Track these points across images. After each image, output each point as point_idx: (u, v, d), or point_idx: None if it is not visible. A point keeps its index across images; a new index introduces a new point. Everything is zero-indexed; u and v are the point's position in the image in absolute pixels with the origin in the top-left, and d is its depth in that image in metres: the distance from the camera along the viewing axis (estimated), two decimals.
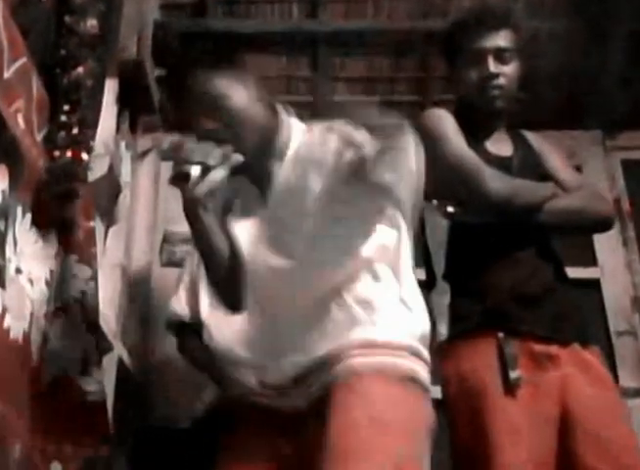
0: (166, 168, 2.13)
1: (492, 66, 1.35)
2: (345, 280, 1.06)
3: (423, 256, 1.40)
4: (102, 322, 1.35)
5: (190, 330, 1.59)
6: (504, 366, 1.21)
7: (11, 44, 1.13)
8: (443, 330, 1.30)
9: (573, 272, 1.52)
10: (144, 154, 2.08)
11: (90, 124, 1.33)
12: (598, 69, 2.05)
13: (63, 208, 1.29)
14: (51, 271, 1.30)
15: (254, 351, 1.15)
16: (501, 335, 1.24)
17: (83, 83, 1.30)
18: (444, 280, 1.35)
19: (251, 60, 2.21)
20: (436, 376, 1.16)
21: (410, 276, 1.11)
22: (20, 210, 1.19)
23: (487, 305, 1.28)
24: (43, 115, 1.27)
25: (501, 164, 1.35)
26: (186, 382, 1.85)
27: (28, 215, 1.23)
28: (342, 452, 0.92)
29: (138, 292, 1.99)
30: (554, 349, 1.26)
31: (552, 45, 2.01)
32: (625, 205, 2.20)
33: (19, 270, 1.18)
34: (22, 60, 1.18)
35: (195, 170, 1.03)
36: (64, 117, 1.29)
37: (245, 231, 1.12)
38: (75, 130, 1.29)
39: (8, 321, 1.13)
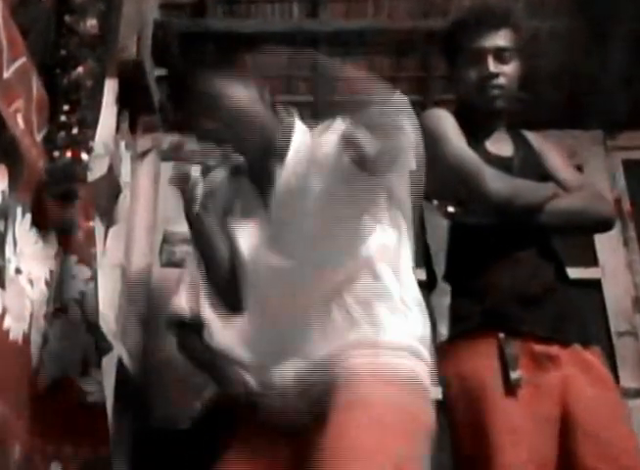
0: (166, 169, 2.14)
1: (492, 65, 1.35)
2: (346, 280, 1.05)
3: (423, 256, 1.40)
4: (101, 323, 1.35)
5: (190, 329, 1.59)
6: (505, 367, 1.21)
7: (10, 44, 1.13)
8: (444, 330, 1.30)
9: (574, 272, 1.52)
10: (144, 154, 2.08)
11: (90, 124, 1.32)
12: (599, 68, 2.05)
13: (62, 208, 1.29)
14: (51, 272, 1.29)
15: (255, 351, 1.15)
16: (502, 335, 1.23)
17: (83, 83, 1.30)
18: (445, 280, 1.35)
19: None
20: (437, 377, 1.15)
21: (410, 276, 1.11)
22: (19, 210, 1.19)
23: (488, 305, 1.27)
24: (43, 115, 1.27)
25: (502, 164, 1.35)
26: (186, 383, 1.85)
27: (28, 216, 1.22)
28: (342, 453, 0.92)
29: (138, 292, 1.99)
30: (555, 349, 1.25)
31: (553, 44, 2.00)
32: (626, 205, 2.20)
33: (18, 271, 1.18)
34: (22, 59, 1.18)
35: (195, 171, 1.03)
36: (63, 118, 1.28)
37: (245, 232, 1.11)
38: (75, 130, 1.29)
39: (8, 322, 1.13)
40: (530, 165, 1.40)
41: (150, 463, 1.74)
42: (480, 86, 1.36)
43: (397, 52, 2.19)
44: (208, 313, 1.50)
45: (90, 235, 1.36)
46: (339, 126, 1.08)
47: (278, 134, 1.12)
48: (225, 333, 1.41)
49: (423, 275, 1.37)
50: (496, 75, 1.35)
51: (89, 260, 1.32)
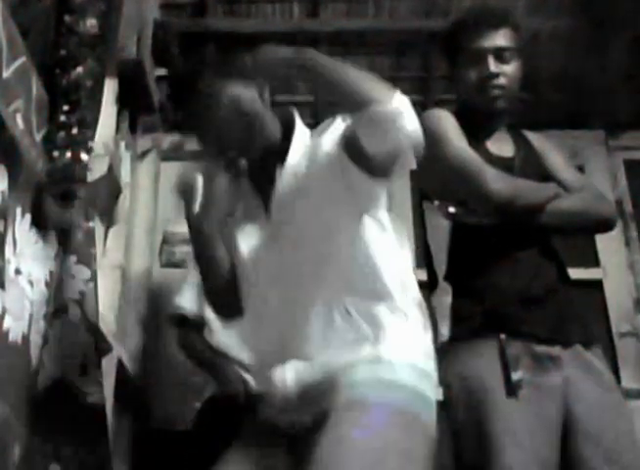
0: (166, 169, 2.14)
1: (492, 65, 1.34)
2: (346, 281, 1.05)
3: (424, 256, 1.40)
4: (101, 323, 1.35)
5: (191, 328, 1.59)
6: (506, 367, 1.20)
7: (10, 43, 1.13)
8: (445, 331, 1.29)
9: (576, 273, 1.51)
10: (144, 154, 2.08)
11: (89, 124, 1.33)
12: (601, 68, 2.04)
13: (62, 208, 1.29)
14: (51, 272, 1.29)
15: (255, 351, 1.14)
16: (503, 336, 1.22)
17: (83, 83, 1.30)
18: (446, 281, 1.34)
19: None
20: (438, 378, 1.15)
21: (411, 276, 1.10)
22: (19, 210, 1.19)
23: (489, 306, 1.27)
24: (42, 115, 1.27)
25: (503, 164, 1.34)
26: (185, 383, 1.85)
27: (28, 216, 1.22)
28: (342, 454, 0.91)
29: (137, 293, 1.99)
30: (556, 350, 1.24)
31: (554, 44, 2.00)
32: (628, 205, 2.19)
33: (18, 271, 1.18)
34: (22, 59, 1.18)
35: (194, 172, 1.03)
36: (63, 118, 1.29)
37: (247, 236, 1.11)
38: (75, 130, 1.29)
39: (7, 323, 1.13)
40: (531, 166, 1.39)
41: (149, 464, 1.73)
42: (480, 86, 1.35)
43: (398, 52, 2.19)
44: (209, 313, 1.50)
45: (90, 235, 1.36)
46: (339, 126, 1.08)
47: (278, 134, 1.12)
48: (225, 333, 1.40)
49: (424, 275, 1.36)
50: (497, 75, 1.34)
51: (89, 261, 1.32)
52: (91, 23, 1.31)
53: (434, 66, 2.14)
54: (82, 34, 1.30)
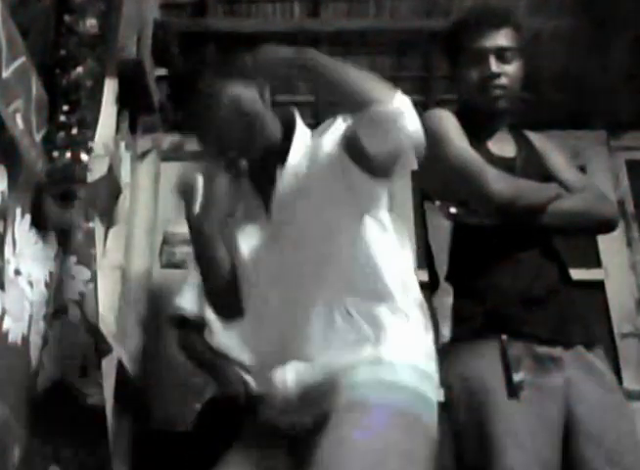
0: (166, 169, 2.13)
1: (494, 65, 1.33)
2: (346, 281, 1.04)
3: (425, 257, 1.39)
4: (101, 324, 1.35)
5: (191, 329, 1.59)
6: (507, 369, 1.20)
7: (10, 43, 1.12)
8: (446, 332, 1.29)
9: (577, 274, 1.51)
10: (144, 154, 2.07)
11: (89, 125, 1.32)
12: (603, 68, 2.04)
13: (62, 209, 1.29)
14: (50, 273, 1.29)
15: (255, 352, 1.14)
16: (504, 337, 1.22)
17: (83, 83, 1.30)
18: (447, 282, 1.33)
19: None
20: (439, 378, 1.15)
21: (412, 277, 1.10)
22: (19, 210, 1.19)
23: (490, 306, 1.26)
24: (42, 115, 1.27)
25: (504, 164, 1.33)
26: (185, 384, 1.85)
27: (28, 216, 1.22)
28: (343, 455, 0.91)
29: (137, 293, 1.99)
30: (558, 351, 1.24)
31: (556, 44, 1.99)
32: (630, 205, 2.19)
33: (18, 272, 1.17)
34: (22, 59, 1.18)
35: (195, 172, 1.02)
36: (63, 118, 1.28)
37: (247, 236, 1.11)
38: (75, 131, 1.29)
39: (7, 323, 1.12)
40: (533, 166, 1.39)
41: (149, 465, 1.73)
42: (481, 86, 1.35)
43: (399, 52, 2.19)
44: (209, 314, 1.50)
45: (90, 236, 1.36)
46: (339, 126, 1.07)
47: (278, 134, 1.11)
48: (226, 334, 1.40)
49: (425, 276, 1.36)
50: (498, 75, 1.34)
51: (89, 261, 1.32)
52: (91, 23, 1.30)
53: (436, 65, 2.13)
54: (82, 34, 1.30)
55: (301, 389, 1.04)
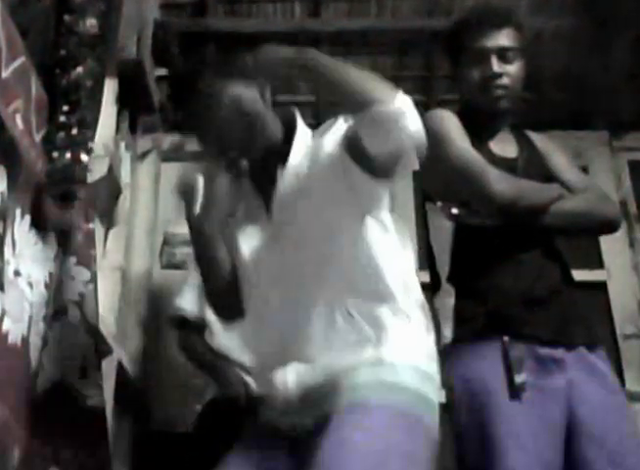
0: (167, 169, 2.13)
1: (495, 65, 1.33)
2: (347, 282, 1.04)
3: (427, 258, 1.39)
4: (101, 325, 1.34)
5: (192, 327, 1.59)
6: (509, 370, 1.19)
7: (9, 43, 1.12)
8: (448, 333, 1.28)
9: (580, 275, 1.50)
10: (144, 154, 2.07)
11: (89, 125, 1.32)
12: (605, 68, 2.03)
13: (62, 209, 1.29)
14: (50, 274, 1.29)
15: (256, 353, 1.14)
16: (506, 338, 1.22)
17: (82, 83, 1.29)
18: (449, 282, 1.33)
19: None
20: (441, 380, 1.14)
21: (413, 278, 1.09)
22: (18, 211, 1.18)
23: (492, 307, 1.26)
24: (42, 115, 1.26)
25: (506, 165, 1.33)
26: (186, 386, 1.84)
27: (27, 217, 1.22)
28: (344, 457, 0.90)
29: (138, 294, 1.98)
30: (560, 352, 1.24)
31: (558, 44, 1.99)
32: (632, 206, 2.18)
33: (17, 273, 1.17)
34: (21, 59, 1.17)
35: (195, 172, 1.02)
36: (63, 118, 1.28)
37: (248, 236, 1.10)
38: (75, 131, 1.28)
39: (7, 325, 1.12)
40: (535, 166, 1.39)
41: (149, 466, 1.73)
42: (483, 86, 1.34)
43: (400, 52, 2.18)
44: (210, 315, 1.50)
45: (90, 237, 1.36)
46: (341, 126, 1.07)
47: (279, 135, 1.11)
48: (226, 334, 1.40)
49: (426, 277, 1.35)
50: (500, 75, 1.33)
51: (89, 262, 1.32)
52: (91, 23, 1.30)
53: (437, 65, 2.13)
54: (82, 34, 1.29)
55: (302, 390, 1.03)
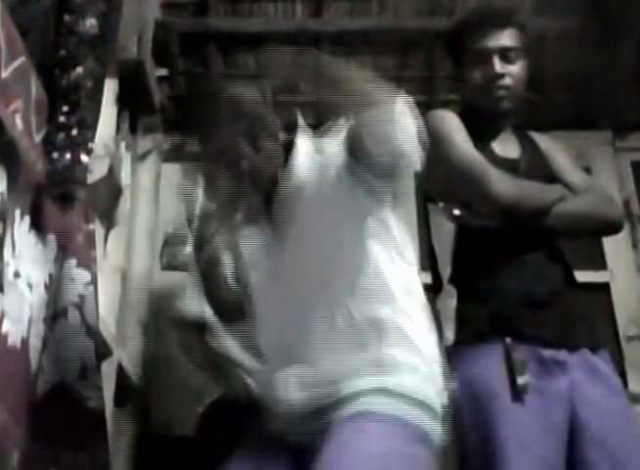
0: (167, 170, 2.13)
1: (498, 65, 1.33)
2: (349, 285, 1.03)
3: (429, 259, 1.38)
4: (101, 327, 1.34)
5: (193, 327, 1.59)
6: (511, 372, 1.19)
7: (9, 43, 1.11)
8: (450, 335, 1.28)
9: (582, 276, 1.50)
10: (144, 155, 2.07)
11: (90, 125, 1.31)
12: (609, 68, 2.02)
13: (62, 210, 1.28)
14: (50, 275, 1.28)
15: (258, 355, 1.13)
16: (508, 340, 1.21)
17: (83, 84, 1.29)
18: (450, 284, 1.32)
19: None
20: (443, 381, 1.13)
21: (415, 279, 1.08)
22: (18, 212, 1.18)
23: (494, 309, 1.25)
24: (42, 115, 1.25)
25: (508, 165, 1.33)
26: (186, 388, 1.84)
27: (27, 218, 1.21)
28: (346, 462, 0.90)
29: (138, 296, 1.98)
30: (562, 354, 1.23)
31: (561, 44, 1.98)
32: (635, 207, 2.17)
33: (17, 274, 1.16)
34: (21, 59, 1.17)
35: (189, 247, 1.04)
36: (63, 118, 1.27)
37: (248, 236, 1.11)
38: (75, 131, 1.27)
39: (6, 326, 1.11)
40: (537, 167, 1.38)
41: (149, 469, 1.72)
42: (485, 87, 1.34)
43: (402, 51, 2.17)
44: (210, 315, 1.49)
45: (90, 238, 1.35)
46: (342, 127, 1.06)
47: (280, 135, 1.10)
48: (227, 335, 1.39)
49: (428, 278, 1.35)
50: (502, 76, 1.33)
51: (89, 264, 1.31)
52: (91, 23, 1.29)
53: (439, 65, 2.12)
54: (82, 34, 1.29)
55: (303, 392, 1.03)
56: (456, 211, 1.32)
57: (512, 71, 1.34)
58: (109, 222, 1.63)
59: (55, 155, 1.26)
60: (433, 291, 1.32)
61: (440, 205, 1.34)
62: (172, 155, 2.14)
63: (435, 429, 1.00)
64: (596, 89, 2.09)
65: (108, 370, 1.44)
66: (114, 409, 1.48)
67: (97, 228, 1.45)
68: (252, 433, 1.10)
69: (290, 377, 1.04)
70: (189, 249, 1.07)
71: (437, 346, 1.09)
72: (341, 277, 1.04)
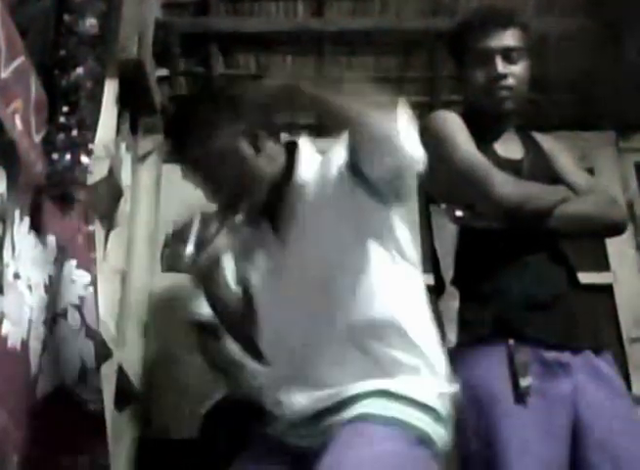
0: (168, 171, 2.12)
1: (500, 66, 1.32)
2: (358, 313, 1.02)
3: (431, 261, 1.38)
4: (101, 329, 1.33)
5: (208, 331, 1.59)
6: (514, 374, 1.18)
7: (9, 43, 1.11)
8: (452, 337, 1.27)
9: (585, 277, 1.49)
10: (145, 156, 2.06)
11: (90, 126, 1.30)
12: (613, 69, 2.02)
13: (62, 211, 1.27)
14: (50, 276, 1.27)
15: (267, 372, 1.13)
16: (511, 342, 1.21)
17: (83, 84, 1.28)
18: (453, 286, 1.32)
19: (256, 60, 2.19)
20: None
21: (424, 303, 1.07)
22: (17, 213, 1.17)
23: (497, 311, 1.25)
24: (42, 116, 1.25)
25: (511, 166, 1.32)
26: (187, 392, 1.83)
27: (27, 219, 1.20)
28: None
29: (139, 297, 1.97)
30: (566, 356, 1.23)
31: (565, 44, 1.97)
32: (639, 208, 2.16)
33: (17, 276, 1.16)
34: (21, 59, 1.16)
35: (189, 249, 1.02)
36: (63, 119, 1.27)
37: (255, 258, 1.10)
38: (75, 132, 1.27)
39: (6, 328, 1.10)
40: (540, 168, 1.37)
41: None
42: (488, 87, 1.33)
43: (404, 52, 2.17)
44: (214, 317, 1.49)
45: (90, 239, 1.35)
46: (344, 148, 1.05)
47: (280, 163, 1.09)
48: (230, 337, 1.39)
49: (431, 280, 1.34)
50: (504, 76, 1.32)
51: (89, 265, 1.31)
52: (91, 23, 1.29)
53: (442, 66, 2.11)
54: (82, 34, 1.28)
55: (304, 395, 1.02)
56: (458, 213, 1.31)
57: (514, 72, 1.33)
58: (109, 223, 1.63)
59: (55, 155, 1.25)
60: (435, 292, 1.31)
61: (443, 206, 1.34)
62: (173, 156, 2.13)
63: (438, 431, 0.99)
64: (599, 90, 2.08)
65: (108, 372, 1.43)
66: (113, 412, 1.48)
67: (97, 229, 1.44)
68: (254, 436, 1.10)
69: (291, 379, 1.03)
70: (190, 250, 1.06)
71: (440, 347, 1.08)
72: (342, 277, 1.03)
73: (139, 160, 2.04)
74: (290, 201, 1.06)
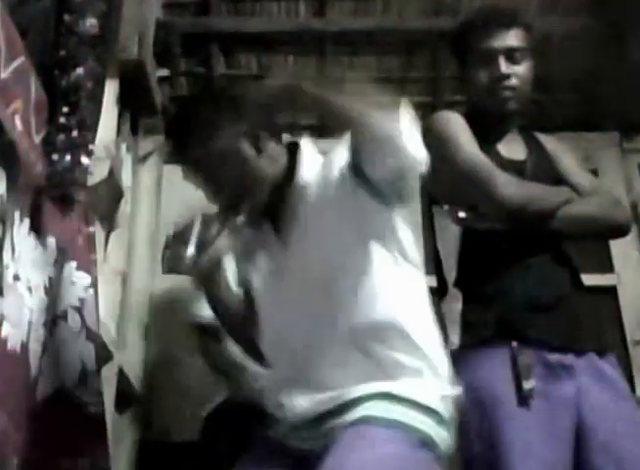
0: (169, 172, 2.11)
1: (503, 66, 1.31)
2: (361, 315, 1.01)
3: (434, 262, 1.37)
4: (101, 331, 1.33)
5: (210, 333, 1.58)
6: (517, 376, 1.18)
7: (9, 43, 1.10)
8: (455, 339, 1.26)
9: (589, 279, 1.48)
10: (145, 157, 2.06)
11: (90, 127, 1.30)
12: (615, 68, 2.01)
13: (62, 212, 1.27)
14: (50, 278, 1.27)
15: (268, 374, 1.12)
16: (515, 344, 1.20)
17: (83, 84, 1.28)
18: (456, 287, 1.31)
19: (257, 60, 2.19)
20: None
21: (426, 306, 1.07)
22: (17, 214, 1.16)
23: (500, 313, 1.24)
24: (42, 116, 1.24)
25: (514, 167, 1.31)
26: (188, 394, 1.83)
27: (27, 220, 1.20)
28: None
29: (139, 299, 1.96)
30: (569, 358, 1.22)
31: (568, 45, 1.97)
32: None
33: (17, 277, 1.15)
34: (21, 59, 1.16)
35: (190, 250, 1.01)
36: (63, 120, 1.26)
37: (257, 260, 1.10)
38: (75, 133, 1.26)
39: (6, 330, 1.10)
40: (544, 169, 1.37)
41: None
42: (491, 88, 1.33)
43: (407, 52, 2.16)
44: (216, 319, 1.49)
45: (90, 240, 1.34)
46: (346, 149, 1.04)
47: (282, 164, 1.09)
48: (232, 339, 1.38)
49: (433, 281, 1.33)
50: (508, 76, 1.32)
51: (89, 267, 1.30)
52: (91, 23, 1.28)
53: (444, 66, 2.10)
54: (82, 34, 1.28)
55: (306, 397, 1.02)
56: (461, 214, 1.31)
57: (518, 72, 1.33)
58: (109, 225, 1.62)
59: (55, 156, 1.25)
60: (438, 294, 1.31)
61: (445, 207, 1.33)
62: (174, 156, 2.12)
63: (441, 434, 0.98)
64: (603, 90, 2.08)
65: (108, 375, 1.43)
66: (114, 414, 1.47)
67: (97, 231, 1.44)
68: (255, 438, 1.09)
69: (292, 381, 1.03)
70: (191, 251, 1.06)
71: (442, 350, 1.07)
72: (344, 279, 1.02)
73: (140, 160, 2.03)
74: (291, 202, 1.06)
